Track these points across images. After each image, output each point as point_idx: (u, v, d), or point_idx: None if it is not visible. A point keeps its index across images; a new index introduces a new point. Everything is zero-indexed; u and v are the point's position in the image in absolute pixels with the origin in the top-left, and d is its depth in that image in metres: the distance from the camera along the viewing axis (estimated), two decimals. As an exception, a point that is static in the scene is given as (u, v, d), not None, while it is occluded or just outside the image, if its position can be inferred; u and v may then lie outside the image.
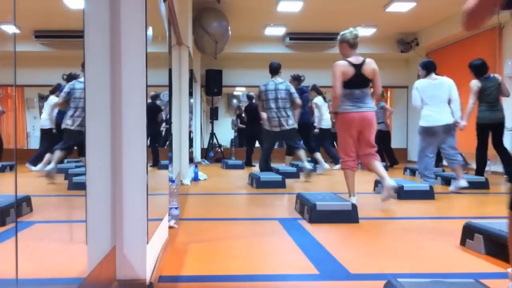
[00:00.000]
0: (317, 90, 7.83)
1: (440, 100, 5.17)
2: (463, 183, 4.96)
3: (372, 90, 4.06)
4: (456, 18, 8.50)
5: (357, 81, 3.90)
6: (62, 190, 4.63)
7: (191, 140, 7.87)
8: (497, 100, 5.72)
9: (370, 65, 3.93)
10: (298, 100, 6.04)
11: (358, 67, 3.90)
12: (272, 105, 5.93)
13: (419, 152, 5.38)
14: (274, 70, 6.12)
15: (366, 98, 3.94)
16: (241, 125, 10.93)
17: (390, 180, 3.89)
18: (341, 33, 4.03)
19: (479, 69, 5.74)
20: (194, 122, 9.83)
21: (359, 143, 3.98)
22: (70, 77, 4.65)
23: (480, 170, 5.93)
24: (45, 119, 5.54)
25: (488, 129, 5.78)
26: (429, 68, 5.31)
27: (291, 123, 5.97)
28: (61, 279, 1.79)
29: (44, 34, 7.92)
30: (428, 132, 5.20)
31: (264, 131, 6.18)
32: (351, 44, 3.96)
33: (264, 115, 6.02)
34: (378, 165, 4.00)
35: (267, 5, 8.07)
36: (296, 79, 7.16)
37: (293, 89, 6.08)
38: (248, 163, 8.92)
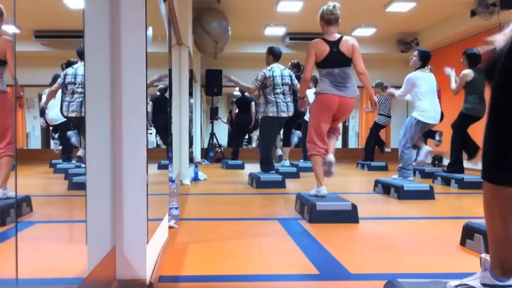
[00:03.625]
0: (316, 81, 7.69)
1: (434, 95, 5.13)
2: (427, 148, 5.24)
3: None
4: (456, 18, 8.51)
5: (335, 59, 3.63)
6: (62, 190, 4.63)
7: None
8: (483, 93, 5.46)
9: (348, 42, 3.64)
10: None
11: (334, 44, 3.63)
12: (279, 90, 5.67)
13: (404, 145, 5.06)
14: (279, 55, 5.85)
15: (348, 80, 3.66)
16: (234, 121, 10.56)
17: (331, 156, 3.69)
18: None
19: (475, 59, 5.43)
20: (194, 122, 9.81)
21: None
22: (69, 64, 4.65)
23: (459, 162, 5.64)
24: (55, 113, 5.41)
25: (473, 122, 5.49)
26: (426, 60, 5.19)
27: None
28: (61, 279, 1.80)
29: (44, 34, 7.92)
30: (422, 128, 5.10)
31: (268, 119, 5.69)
32: (326, 21, 3.68)
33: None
34: (334, 141, 3.84)
35: (267, 5, 8.07)
36: (296, 67, 7.03)
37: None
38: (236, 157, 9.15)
